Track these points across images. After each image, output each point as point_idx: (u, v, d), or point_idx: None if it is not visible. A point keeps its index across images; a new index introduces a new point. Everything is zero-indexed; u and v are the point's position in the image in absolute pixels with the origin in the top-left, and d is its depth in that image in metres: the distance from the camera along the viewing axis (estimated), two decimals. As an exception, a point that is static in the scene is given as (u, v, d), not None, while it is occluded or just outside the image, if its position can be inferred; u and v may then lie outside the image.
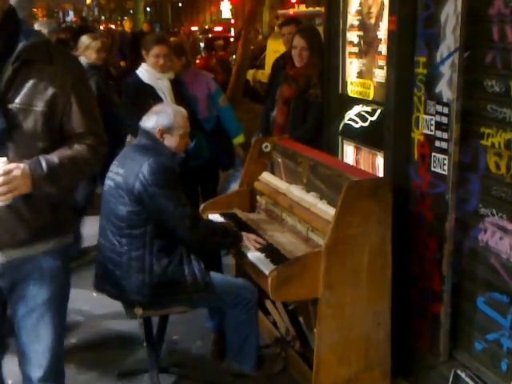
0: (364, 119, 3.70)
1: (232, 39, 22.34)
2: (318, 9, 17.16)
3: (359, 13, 3.69)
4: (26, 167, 2.06)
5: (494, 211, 2.79)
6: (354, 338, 3.11)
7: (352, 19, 3.77)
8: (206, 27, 33.37)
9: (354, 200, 2.94)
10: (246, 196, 3.99)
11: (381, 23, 3.47)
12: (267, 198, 3.81)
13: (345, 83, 3.90)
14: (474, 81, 2.83)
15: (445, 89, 2.93)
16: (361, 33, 3.70)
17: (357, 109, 3.77)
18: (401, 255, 3.19)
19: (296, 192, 3.48)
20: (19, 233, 2.20)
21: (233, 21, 34.29)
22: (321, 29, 4.42)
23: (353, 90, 3.83)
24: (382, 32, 3.44)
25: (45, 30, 5.65)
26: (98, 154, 2.29)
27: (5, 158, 2.03)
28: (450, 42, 2.87)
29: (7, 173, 2.00)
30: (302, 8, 20.88)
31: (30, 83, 2.14)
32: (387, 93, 3.29)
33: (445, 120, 2.95)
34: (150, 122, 3.28)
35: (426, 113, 3.07)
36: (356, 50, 3.77)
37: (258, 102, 12.06)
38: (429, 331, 3.19)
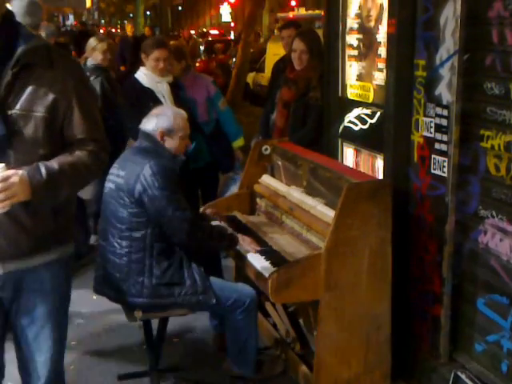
0: (364, 122, 3.70)
1: (231, 42, 22.35)
2: (317, 12, 17.20)
3: (359, 16, 3.70)
4: (24, 174, 1.99)
5: (494, 213, 2.80)
6: (355, 340, 3.12)
7: (351, 22, 3.78)
8: (204, 30, 33.40)
9: (354, 202, 2.95)
10: (246, 198, 3.99)
11: (380, 26, 3.48)
12: (267, 201, 3.81)
13: (344, 86, 3.91)
14: (474, 83, 2.84)
15: (444, 91, 2.94)
16: (360, 36, 3.71)
17: (356, 111, 3.78)
18: (401, 257, 3.20)
19: (296, 194, 3.48)
20: (19, 241, 2.14)
21: (232, 24, 34.36)
22: (320, 32, 4.43)
23: (352, 92, 3.84)
24: (382, 35, 3.45)
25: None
26: (99, 160, 2.23)
27: (2, 164, 1.97)
28: (449, 44, 2.88)
29: (5, 179, 1.93)
30: (302, 11, 20.91)
31: (30, 88, 2.08)
32: (387, 95, 3.30)
33: (444, 122, 2.95)
34: (151, 124, 3.29)
35: (425, 115, 3.07)
36: (355, 52, 3.78)
37: (258, 105, 12.04)
38: (429, 333, 3.19)
